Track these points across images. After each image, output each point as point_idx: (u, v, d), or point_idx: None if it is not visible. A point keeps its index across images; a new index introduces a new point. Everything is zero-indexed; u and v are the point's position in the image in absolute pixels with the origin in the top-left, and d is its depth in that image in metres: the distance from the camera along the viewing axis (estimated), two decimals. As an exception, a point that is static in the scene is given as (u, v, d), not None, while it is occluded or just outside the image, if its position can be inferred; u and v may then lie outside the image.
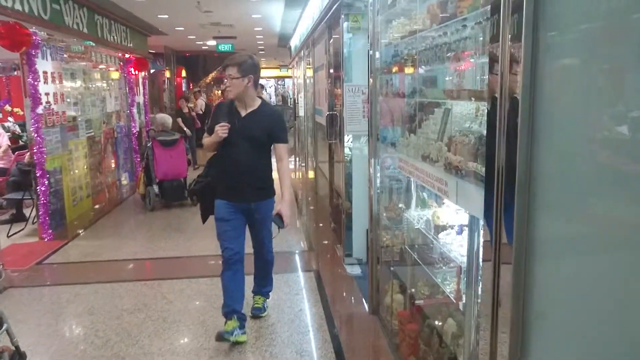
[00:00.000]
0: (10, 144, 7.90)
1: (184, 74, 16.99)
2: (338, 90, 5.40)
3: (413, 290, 3.21)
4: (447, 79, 2.31)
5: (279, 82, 26.65)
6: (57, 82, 6.37)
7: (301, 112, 11.10)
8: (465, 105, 2.51)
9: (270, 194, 3.46)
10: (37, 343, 3.41)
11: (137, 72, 9.86)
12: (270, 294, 3.87)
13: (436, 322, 2.78)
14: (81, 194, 7.07)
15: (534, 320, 1.50)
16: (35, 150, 5.68)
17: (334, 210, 6.31)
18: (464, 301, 2.28)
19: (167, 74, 15.75)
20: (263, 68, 24.76)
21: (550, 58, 1.40)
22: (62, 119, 6.49)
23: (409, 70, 2.81)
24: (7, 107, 10.14)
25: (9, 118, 9.79)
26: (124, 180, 9.01)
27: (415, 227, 2.98)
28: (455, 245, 2.43)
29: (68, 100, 6.71)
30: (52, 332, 3.60)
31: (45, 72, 6.01)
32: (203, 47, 14.87)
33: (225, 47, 12.88)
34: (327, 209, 6.82)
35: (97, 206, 7.49)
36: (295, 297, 4.08)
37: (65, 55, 6.67)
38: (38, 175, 5.75)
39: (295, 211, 7.28)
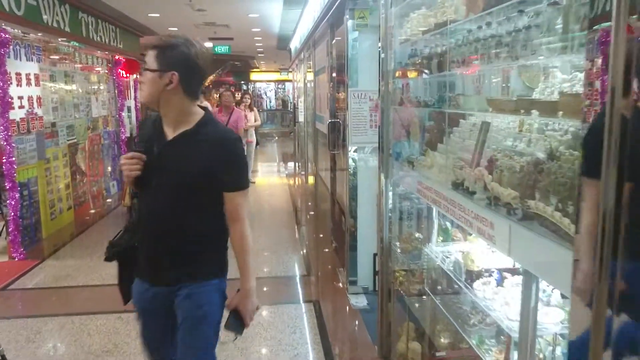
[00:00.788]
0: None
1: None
2: (341, 95, 4.87)
3: (433, 336, 2.65)
4: (492, 83, 1.75)
5: (279, 86, 26.14)
6: (34, 84, 5.81)
7: (301, 118, 10.68)
8: (502, 118, 1.96)
9: (206, 272, 1.93)
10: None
11: (127, 74, 9.31)
12: None
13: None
14: (61, 206, 6.49)
15: None
16: (4, 160, 5.11)
17: (336, 227, 5.75)
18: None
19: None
20: (262, 71, 24.53)
21: None
22: (39, 124, 5.92)
23: (432, 72, 2.25)
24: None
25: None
26: (112, 189, 8.45)
27: (438, 264, 2.42)
28: (498, 303, 1.86)
29: (46, 104, 6.15)
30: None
31: (18, 74, 5.46)
32: (200, 49, 14.33)
33: (222, 49, 12.35)
34: (328, 224, 6.26)
35: (79, 219, 6.92)
36: (291, 337, 3.51)
37: (42, 56, 6.11)
38: (8, 187, 5.18)
39: (293, 226, 6.72)
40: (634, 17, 0.98)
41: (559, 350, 1.80)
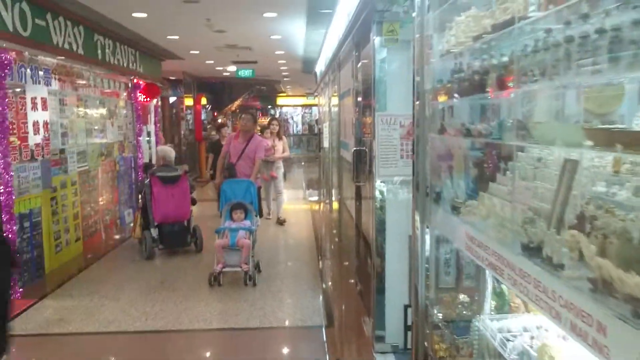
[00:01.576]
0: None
1: (204, 101, 16.19)
2: (367, 119, 4.34)
3: None
4: (580, 105, 1.18)
5: (306, 111, 25.87)
6: (40, 109, 5.47)
7: (326, 143, 10.18)
8: (586, 154, 1.38)
9: None
10: None
11: (147, 98, 9.00)
12: None
13: None
14: (67, 237, 6.09)
15: None
16: (1, 191, 4.73)
17: (361, 264, 5.15)
18: None
19: (187, 101, 14.99)
20: (289, 96, 24.29)
21: None
22: (45, 151, 5.56)
23: (489, 90, 1.69)
24: None
25: None
26: (128, 218, 8.04)
27: (495, 348, 1.80)
28: None
29: (54, 129, 5.80)
30: None
31: (22, 97, 5.12)
32: (224, 74, 14.08)
33: (245, 72, 11.99)
34: (352, 259, 5.66)
35: (88, 250, 6.50)
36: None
37: (52, 79, 5.79)
38: (4, 220, 4.78)
39: (316, 260, 6.14)
40: None
41: None
